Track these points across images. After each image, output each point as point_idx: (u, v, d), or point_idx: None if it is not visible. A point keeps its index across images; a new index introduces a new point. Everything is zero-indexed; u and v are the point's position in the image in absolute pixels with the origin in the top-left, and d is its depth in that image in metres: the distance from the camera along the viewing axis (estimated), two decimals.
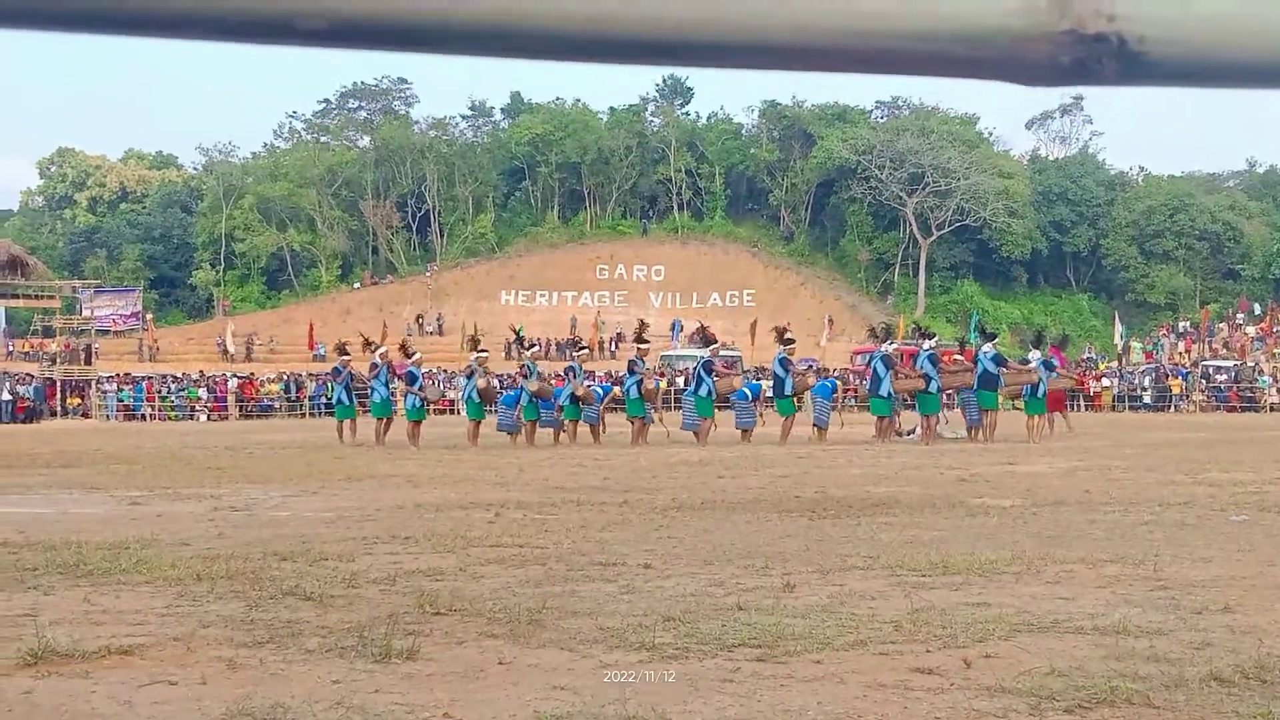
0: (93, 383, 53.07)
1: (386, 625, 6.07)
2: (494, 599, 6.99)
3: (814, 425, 26.02)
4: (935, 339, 27.34)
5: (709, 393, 25.36)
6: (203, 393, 54.11)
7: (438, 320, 74.33)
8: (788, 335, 26.21)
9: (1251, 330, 66.18)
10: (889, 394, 25.21)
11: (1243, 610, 6.55)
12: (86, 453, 24.31)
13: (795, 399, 26.19)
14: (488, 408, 26.12)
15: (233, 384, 55.35)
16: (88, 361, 54.04)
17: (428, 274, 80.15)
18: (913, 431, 26.43)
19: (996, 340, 27.34)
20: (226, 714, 4.63)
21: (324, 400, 52.83)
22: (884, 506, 12.20)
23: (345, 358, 27.97)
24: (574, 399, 25.82)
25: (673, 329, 70.36)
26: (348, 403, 27.59)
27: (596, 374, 38.15)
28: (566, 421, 26.04)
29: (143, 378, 55.40)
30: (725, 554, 8.83)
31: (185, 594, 7.28)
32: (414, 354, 27.38)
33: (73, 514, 12.34)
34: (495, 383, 27.48)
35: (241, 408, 53.80)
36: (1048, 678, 5.05)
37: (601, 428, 26.46)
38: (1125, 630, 5.98)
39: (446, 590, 7.28)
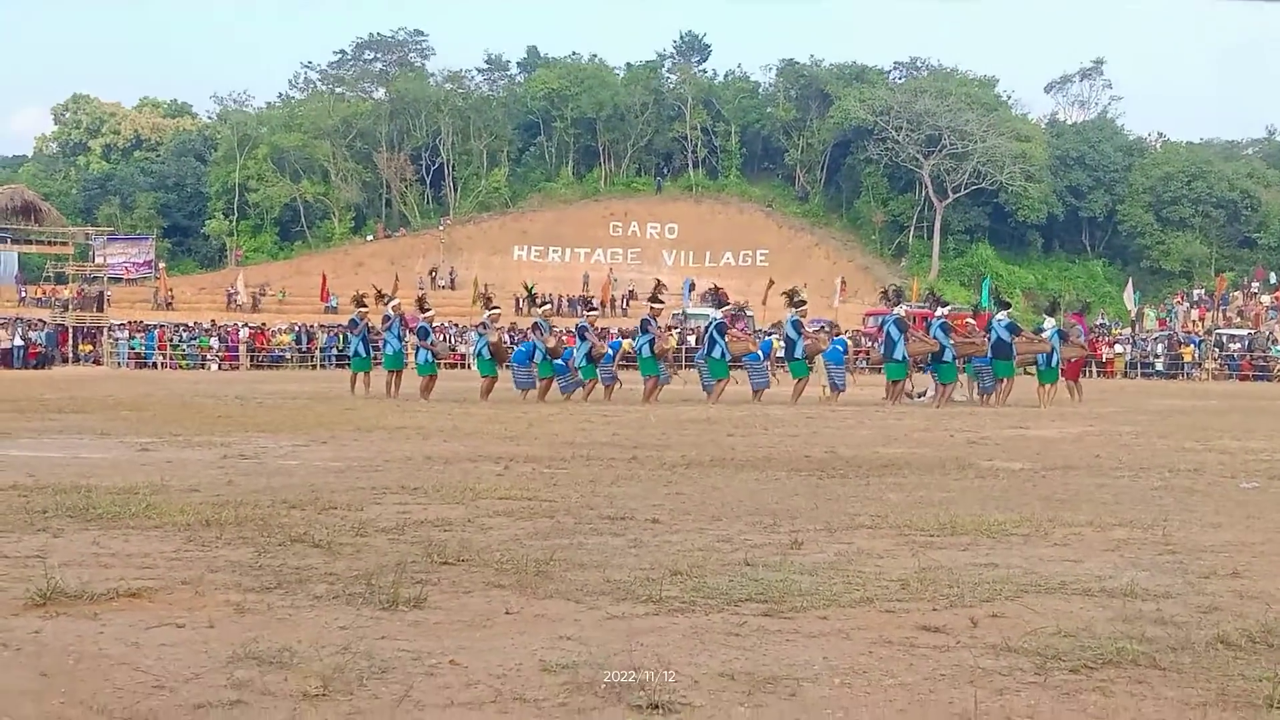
0: (105, 330, 53.16)
1: (394, 573, 6.09)
2: (501, 550, 7.00)
3: (827, 387, 26.03)
4: (949, 307, 27.25)
5: (722, 354, 25.33)
6: (214, 342, 54.23)
7: (450, 274, 74.38)
8: (799, 298, 26.22)
9: (1266, 299, 65.92)
10: (903, 357, 25.20)
11: (1250, 575, 6.55)
12: (97, 399, 24.37)
13: (808, 361, 26.21)
14: (500, 365, 26.14)
15: (244, 334, 55.45)
16: (100, 309, 54.09)
17: (441, 228, 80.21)
18: (924, 394, 26.40)
19: (1011, 309, 27.30)
20: (233, 656, 4.65)
21: (335, 351, 52.96)
22: (893, 467, 12.20)
23: (362, 309, 27.96)
24: (589, 358, 25.79)
25: (685, 287, 70.27)
26: (364, 355, 27.60)
27: (610, 330, 38.12)
28: (586, 381, 26.05)
29: (155, 326, 55.50)
30: (733, 510, 8.84)
31: (194, 539, 7.30)
32: (428, 309, 27.32)
33: (83, 459, 12.37)
34: (507, 339, 27.41)
35: (253, 358, 53.88)
36: (1054, 638, 5.05)
37: (617, 384, 26.37)
38: (1132, 593, 5.98)
39: (454, 540, 7.30)
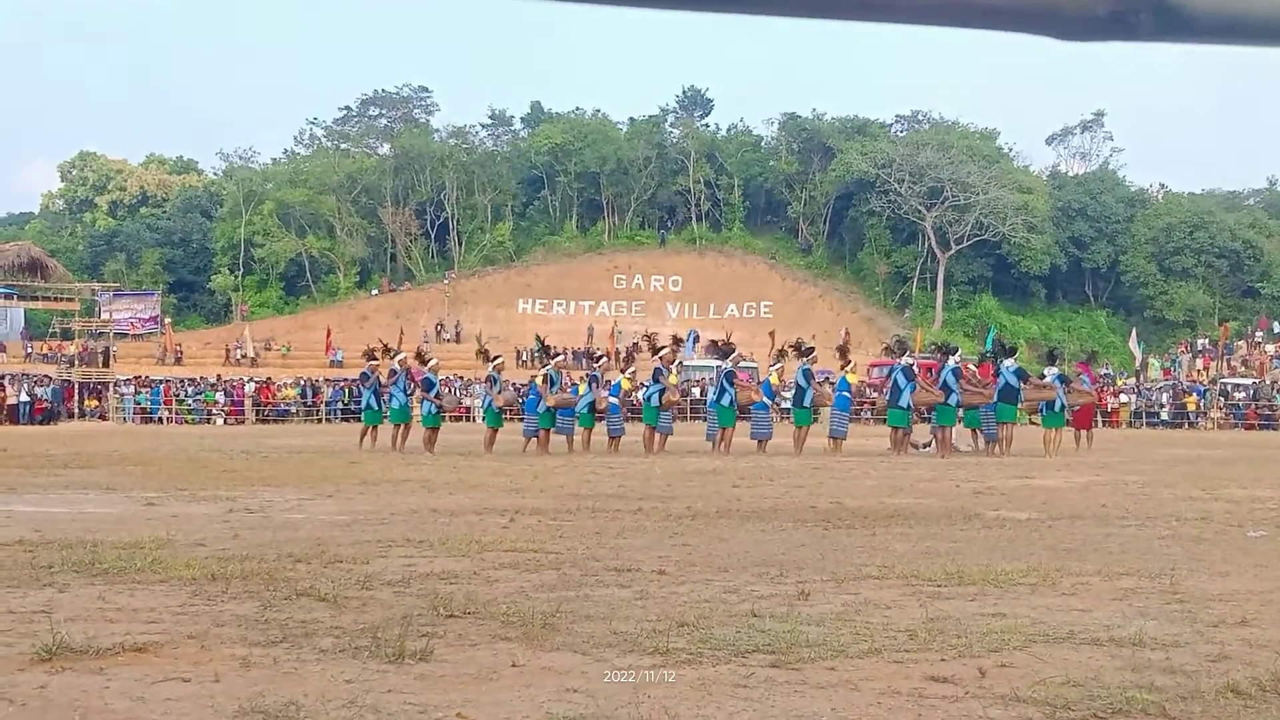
0: (110, 385, 53.24)
1: (400, 626, 6.07)
2: (508, 602, 6.98)
3: (830, 437, 25.98)
4: (958, 353, 27.28)
5: (731, 402, 25.41)
6: (220, 397, 54.27)
7: (455, 328, 74.52)
8: (807, 346, 26.39)
9: (1271, 348, 66.00)
10: (908, 405, 25.19)
11: (1259, 624, 6.51)
12: (103, 454, 24.37)
13: (814, 411, 26.25)
14: (507, 417, 26.21)
15: (250, 388, 55.51)
16: (105, 364, 54.20)
17: (445, 281, 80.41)
18: (929, 444, 26.36)
19: (1017, 355, 27.35)
20: (240, 711, 4.63)
21: (341, 405, 52.99)
22: (899, 517, 12.17)
23: (374, 363, 27.96)
24: (592, 408, 25.85)
25: (689, 339, 70.33)
26: (376, 408, 27.63)
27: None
28: (581, 429, 26.05)
29: (160, 381, 55.59)
30: (740, 561, 8.81)
31: (200, 593, 7.28)
32: (430, 360, 27.40)
33: (88, 514, 12.36)
34: (512, 394, 27.40)
35: (258, 412, 53.92)
36: (1063, 687, 5.02)
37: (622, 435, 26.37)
38: (1141, 642, 5.95)
39: (460, 593, 7.27)
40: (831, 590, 7.56)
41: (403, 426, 26.60)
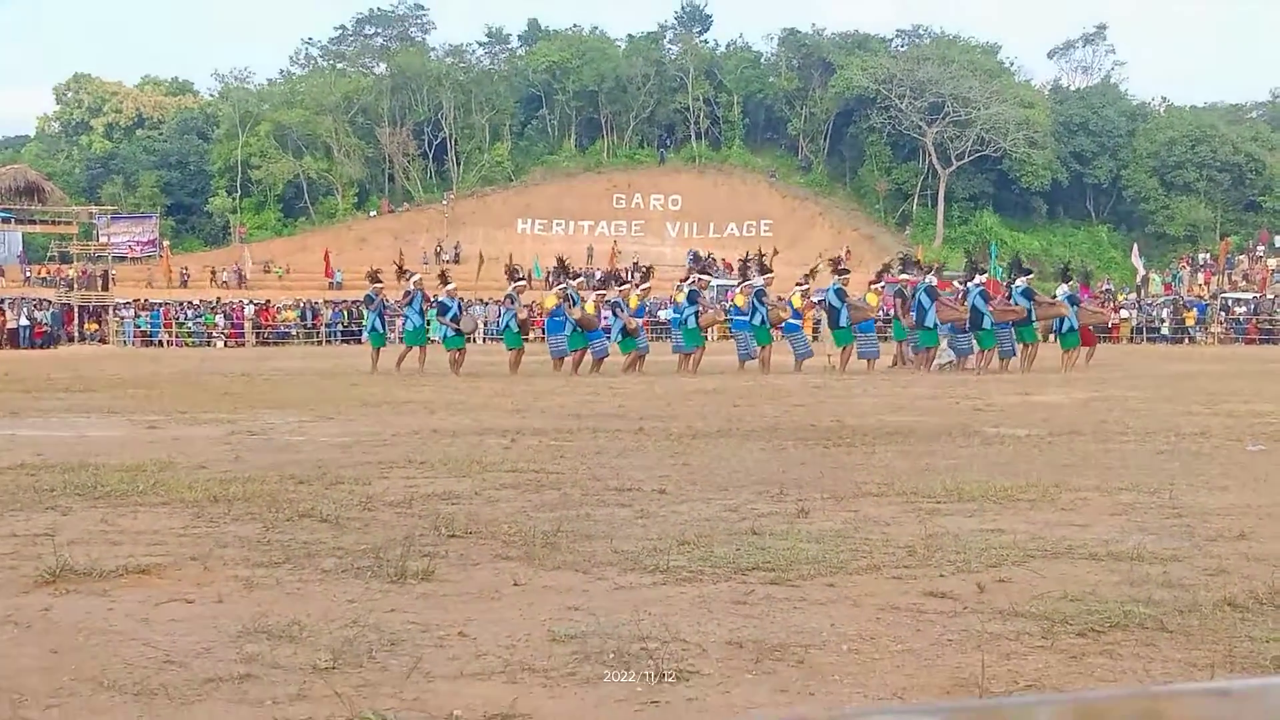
0: (110, 308, 53.21)
1: (402, 546, 6.10)
2: (509, 522, 7.02)
3: (862, 357, 26.03)
4: (986, 274, 27.27)
5: (763, 321, 25.39)
6: (220, 319, 54.25)
7: (455, 248, 74.27)
8: (843, 265, 26.39)
9: (1272, 263, 65.80)
10: (935, 324, 25.20)
11: (1257, 538, 6.55)
12: (103, 378, 24.41)
13: (852, 328, 26.08)
14: (527, 337, 26.18)
15: (249, 311, 55.47)
16: (105, 287, 54.12)
17: (444, 202, 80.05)
18: (950, 361, 26.40)
19: (1031, 275, 27.25)
20: (243, 631, 4.67)
21: (341, 327, 52.99)
22: (899, 435, 12.21)
23: (378, 285, 27.70)
24: (625, 332, 25.80)
25: (689, 259, 70.19)
26: (381, 330, 27.50)
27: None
28: (625, 354, 26.16)
29: (160, 304, 55.53)
30: (740, 480, 8.85)
31: (202, 515, 7.32)
32: (449, 284, 27.06)
33: (90, 437, 12.40)
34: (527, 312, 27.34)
35: (258, 335, 53.93)
36: (1061, 602, 5.06)
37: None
38: (1139, 556, 5.99)
39: (462, 513, 7.31)
40: (831, 508, 7.60)
41: (421, 349, 26.49)
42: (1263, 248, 70.24)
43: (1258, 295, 56.49)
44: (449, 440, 11.85)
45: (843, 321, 25.73)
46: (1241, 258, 69.11)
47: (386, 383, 22.24)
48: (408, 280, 27.27)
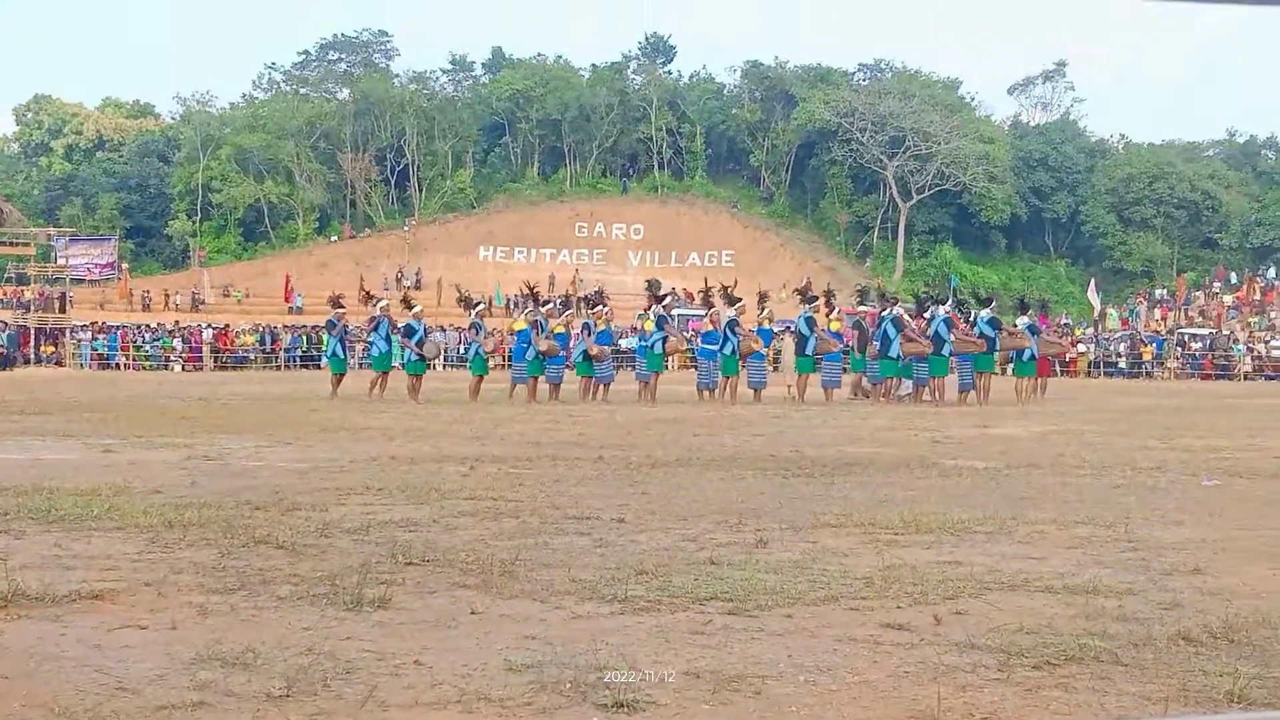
0: (67, 331, 52.80)
1: (359, 574, 6.08)
2: (467, 550, 6.99)
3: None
4: (948, 303, 27.36)
5: (734, 351, 25.40)
6: (178, 343, 53.89)
7: (416, 275, 74.13)
8: (811, 294, 26.40)
9: (1228, 299, 66.49)
10: (897, 355, 25.30)
11: (1212, 572, 6.60)
12: (60, 400, 24.21)
13: (815, 360, 26.07)
14: (492, 364, 26.16)
15: (208, 335, 55.13)
16: (62, 310, 53.72)
17: (406, 228, 79.91)
18: (907, 394, 26.50)
19: (993, 305, 27.48)
20: (196, 658, 4.63)
21: (299, 352, 52.77)
22: (858, 466, 12.23)
23: (340, 310, 27.56)
24: (587, 356, 25.87)
25: (649, 288, 70.19)
26: (343, 356, 27.33)
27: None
28: (581, 379, 26.21)
29: (117, 327, 55.14)
30: (699, 510, 8.85)
31: (157, 541, 7.26)
32: (415, 307, 26.96)
33: (45, 460, 12.29)
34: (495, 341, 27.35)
35: (216, 359, 53.59)
36: (1017, 634, 5.08)
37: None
38: (1095, 590, 6.02)
39: (419, 541, 7.28)
40: (789, 538, 7.61)
41: (382, 375, 26.25)
42: (1218, 284, 70.91)
43: (1213, 331, 56.95)
44: (407, 467, 11.81)
45: (809, 350, 25.76)
46: (1198, 294, 69.77)
47: (345, 408, 22.14)
48: (374, 306, 27.22)
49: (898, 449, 14.49)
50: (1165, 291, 70.29)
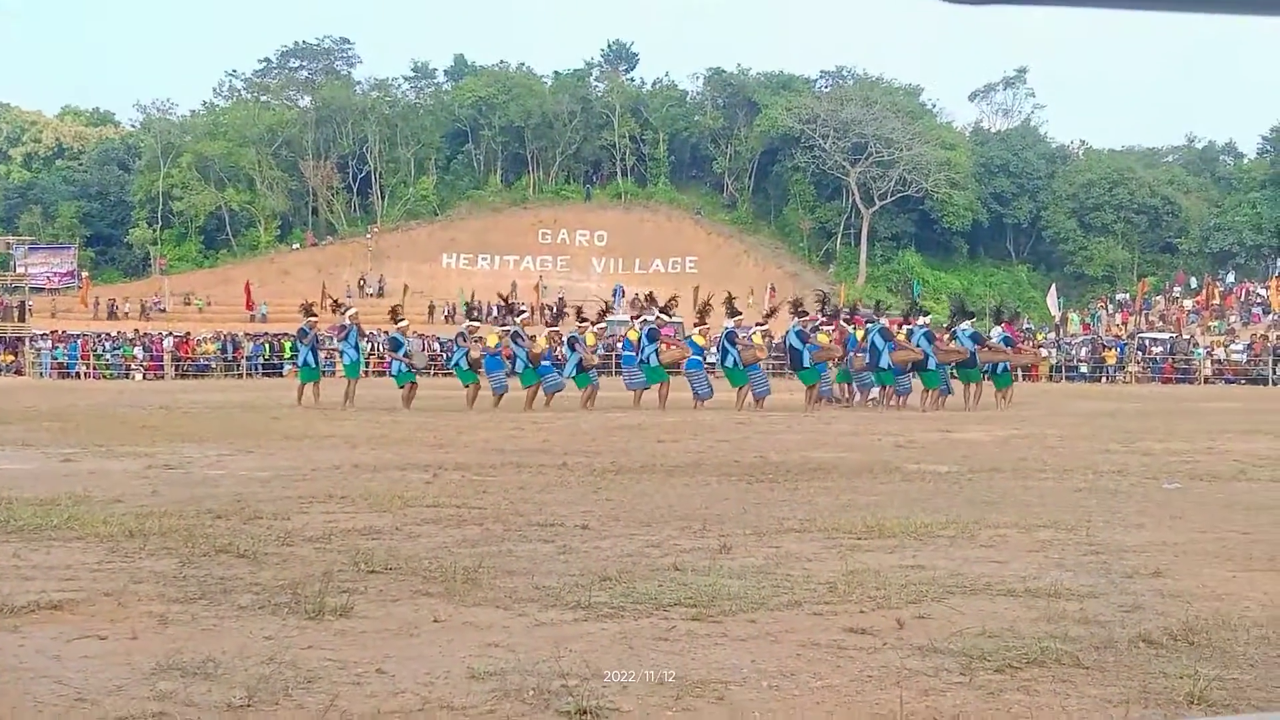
0: (27, 340, 52.43)
1: (320, 582, 6.05)
2: (430, 558, 6.98)
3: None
4: (929, 315, 27.61)
5: (735, 363, 25.36)
6: (138, 352, 53.54)
7: (379, 282, 73.93)
8: (803, 309, 26.44)
9: (1188, 303, 67.01)
10: (888, 365, 25.41)
11: (1172, 575, 6.64)
12: (19, 410, 24.02)
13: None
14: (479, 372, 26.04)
15: (169, 343, 54.80)
16: (21, 318, 53.36)
17: (368, 236, 79.71)
18: (873, 399, 26.74)
19: (974, 318, 27.95)
20: (157, 668, 4.60)
21: (261, 361, 52.57)
22: (821, 471, 12.27)
23: (312, 319, 27.18)
24: (581, 367, 25.80)
25: (614, 295, 70.23)
26: (313, 365, 27.04)
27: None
28: (581, 389, 26.07)
29: (77, 335, 54.79)
30: (663, 516, 8.86)
31: (117, 550, 7.21)
32: (401, 320, 26.92)
33: (4, 470, 12.20)
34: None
35: (177, 367, 53.29)
36: (979, 638, 5.09)
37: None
38: (1057, 593, 6.05)
39: (382, 549, 7.26)
40: (753, 544, 7.62)
41: (353, 382, 26.31)
42: (1178, 288, 71.46)
43: (1174, 335, 57.37)
44: (370, 475, 11.77)
45: (806, 361, 25.64)
46: (1158, 299, 70.27)
47: (307, 416, 22.06)
48: (343, 314, 27.11)
49: (861, 454, 14.53)
50: (1126, 296, 70.71)
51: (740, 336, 26.13)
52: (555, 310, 30.18)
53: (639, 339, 26.22)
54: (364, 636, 5.17)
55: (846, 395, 27.74)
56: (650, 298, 27.43)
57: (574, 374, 25.91)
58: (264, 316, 65.36)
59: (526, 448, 15.23)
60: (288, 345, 53.66)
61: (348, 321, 26.91)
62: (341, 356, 26.92)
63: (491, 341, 25.99)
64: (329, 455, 14.09)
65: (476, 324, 27.21)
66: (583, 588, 6.09)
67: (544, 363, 25.67)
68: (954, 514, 8.92)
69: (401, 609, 5.69)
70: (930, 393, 25.75)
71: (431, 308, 67.83)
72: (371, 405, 25.20)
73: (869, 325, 26.43)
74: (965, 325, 26.59)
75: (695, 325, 27.47)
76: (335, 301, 28.56)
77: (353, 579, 6.34)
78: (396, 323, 26.73)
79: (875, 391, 26.54)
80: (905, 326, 26.86)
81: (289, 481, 11.12)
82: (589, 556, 7.11)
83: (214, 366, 53.95)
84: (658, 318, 26.96)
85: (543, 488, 10.71)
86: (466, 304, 28.38)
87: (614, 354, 33.94)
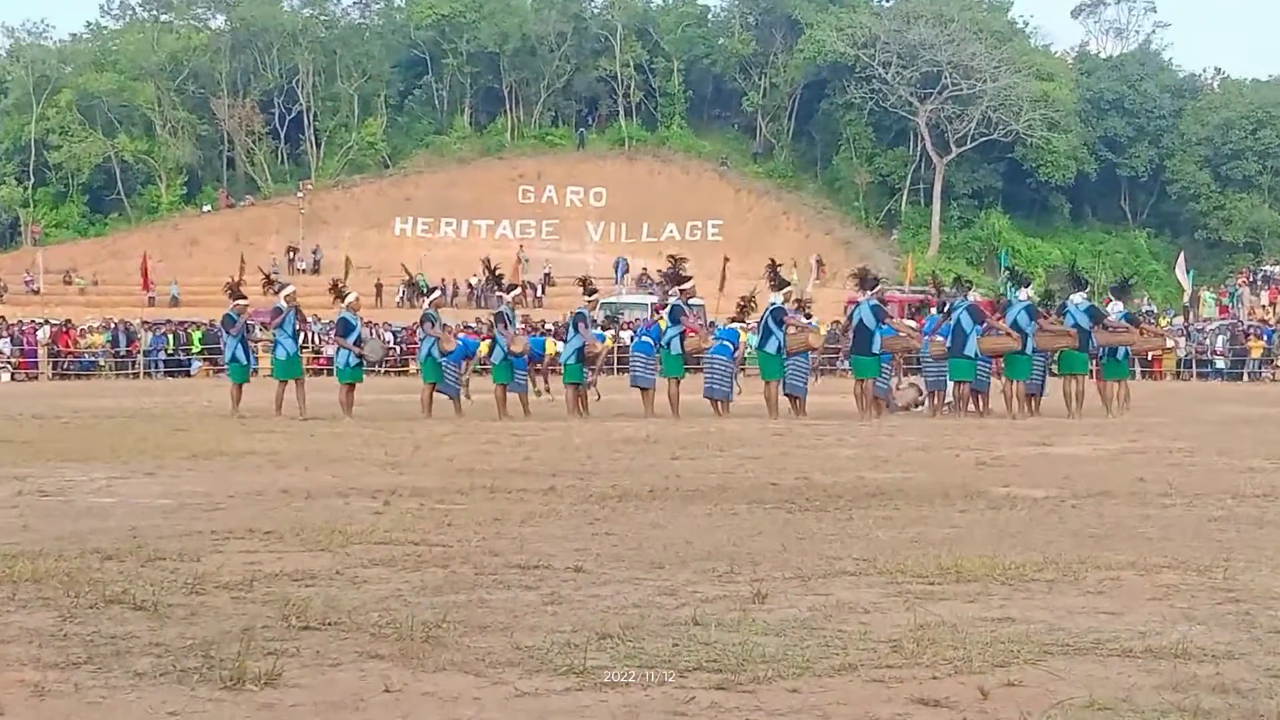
0: None
1: (240, 642, 6.06)
2: (380, 610, 6.99)
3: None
4: (1030, 286, 27.38)
5: (779, 349, 24.86)
6: (5, 345, 53.50)
7: (314, 254, 73.92)
8: (873, 278, 26.25)
9: None
10: (975, 353, 24.99)
11: None
12: None
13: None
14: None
15: (44, 334, 54.76)
16: None
17: (299, 195, 79.61)
18: (921, 403, 26.52)
19: (1030, 288, 27.26)
20: None
21: (163, 356, 52.60)
22: (883, 497, 12.26)
23: (241, 302, 26.84)
24: (580, 356, 25.47)
25: (616, 269, 70.23)
26: (245, 361, 26.59)
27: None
28: (568, 386, 25.90)
29: None
30: (679, 555, 8.86)
31: None
32: (348, 295, 26.61)
33: None
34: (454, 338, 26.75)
35: (56, 364, 53.34)
36: (1086, 711, 5.09)
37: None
38: (1185, 653, 6.04)
39: (318, 598, 7.27)
40: (795, 591, 7.62)
41: (288, 383, 25.43)
42: None
43: None
44: (303, 503, 11.79)
45: (876, 347, 25.17)
46: None
47: (222, 428, 22.08)
48: (278, 294, 26.54)
49: (933, 474, 14.52)
50: (1276, 269, 70.50)
51: (789, 316, 25.59)
52: (539, 289, 30.00)
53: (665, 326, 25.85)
54: (295, 711, 5.18)
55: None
56: (673, 269, 26.75)
57: (573, 360, 25.65)
58: (175, 300, 65.38)
59: (503, 468, 15.24)
60: (196, 336, 53.78)
61: (284, 304, 26.10)
62: (274, 349, 26.18)
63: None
64: (250, 478, 14.11)
65: (439, 292, 26.96)
66: (576, 648, 6.09)
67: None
68: (1053, 552, 8.92)
69: (344, 675, 5.70)
70: (960, 385, 25.37)
71: (379, 287, 67.69)
72: (312, 413, 25.13)
73: (955, 303, 26.00)
74: (1078, 298, 26.12)
75: (736, 314, 27.06)
76: (267, 277, 28.29)
77: (281, 637, 6.35)
78: (343, 299, 26.40)
79: (949, 391, 26.16)
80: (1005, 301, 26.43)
81: (199, 512, 11.14)
82: (584, 607, 7.12)
83: (102, 364, 54.03)
84: (682, 291, 26.29)
85: (524, 519, 10.72)
86: (424, 283, 28.02)
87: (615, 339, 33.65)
